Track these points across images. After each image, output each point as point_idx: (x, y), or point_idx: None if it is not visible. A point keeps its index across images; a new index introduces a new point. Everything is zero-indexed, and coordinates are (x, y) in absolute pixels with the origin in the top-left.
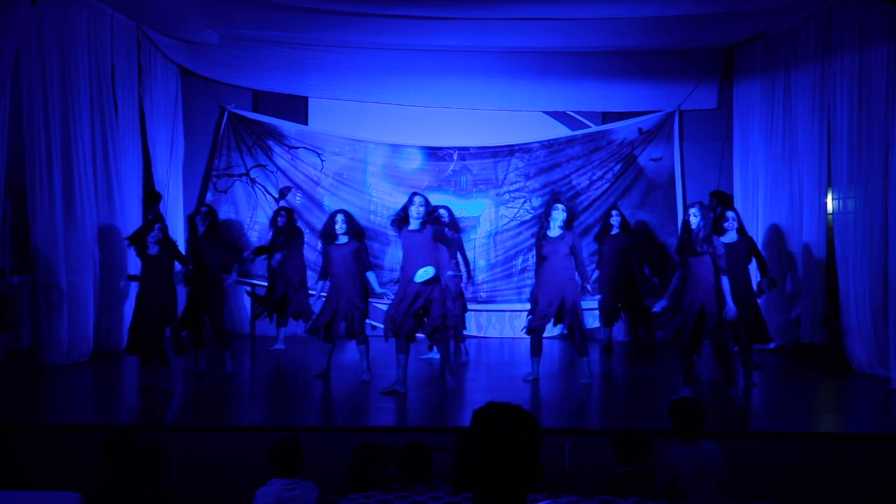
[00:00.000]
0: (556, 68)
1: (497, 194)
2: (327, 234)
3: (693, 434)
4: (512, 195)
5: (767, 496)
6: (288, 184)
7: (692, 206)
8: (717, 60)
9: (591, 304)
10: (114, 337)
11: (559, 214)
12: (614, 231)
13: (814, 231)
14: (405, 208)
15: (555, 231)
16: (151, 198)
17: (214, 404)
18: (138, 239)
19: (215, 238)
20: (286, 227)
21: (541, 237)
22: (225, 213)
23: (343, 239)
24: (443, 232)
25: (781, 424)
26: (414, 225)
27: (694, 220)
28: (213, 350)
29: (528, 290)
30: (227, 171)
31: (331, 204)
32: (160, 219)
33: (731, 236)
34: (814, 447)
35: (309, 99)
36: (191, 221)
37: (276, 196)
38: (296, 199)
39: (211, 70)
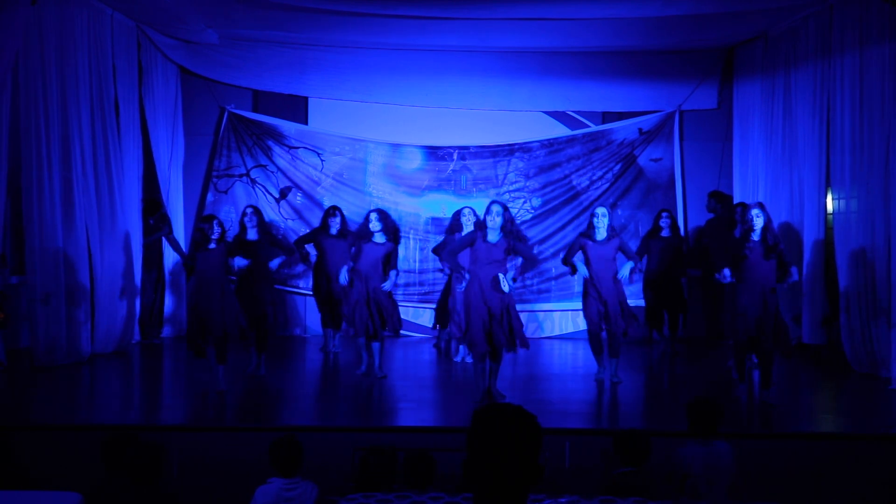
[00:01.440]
0: (556, 68)
1: (497, 194)
2: (362, 234)
3: (708, 433)
4: (512, 195)
5: (768, 496)
6: (288, 184)
7: (753, 206)
8: (717, 60)
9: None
10: (113, 337)
11: (602, 221)
12: (664, 233)
13: (814, 231)
14: (484, 218)
15: (601, 234)
16: (151, 207)
17: (212, 404)
18: (198, 244)
19: (269, 239)
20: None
21: (587, 237)
22: (226, 213)
23: (379, 237)
24: (517, 248)
25: (781, 424)
26: (493, 236)
27: (759, 221)
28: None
29: (528, 290)
30: (228, 172)
31: (331, 204)
32: (167, 220)
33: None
34: (814, 447)
35: (309, 99)
36: (240, 224)
37: (277, 196)
38: (296, 199)
39: (211, 70)
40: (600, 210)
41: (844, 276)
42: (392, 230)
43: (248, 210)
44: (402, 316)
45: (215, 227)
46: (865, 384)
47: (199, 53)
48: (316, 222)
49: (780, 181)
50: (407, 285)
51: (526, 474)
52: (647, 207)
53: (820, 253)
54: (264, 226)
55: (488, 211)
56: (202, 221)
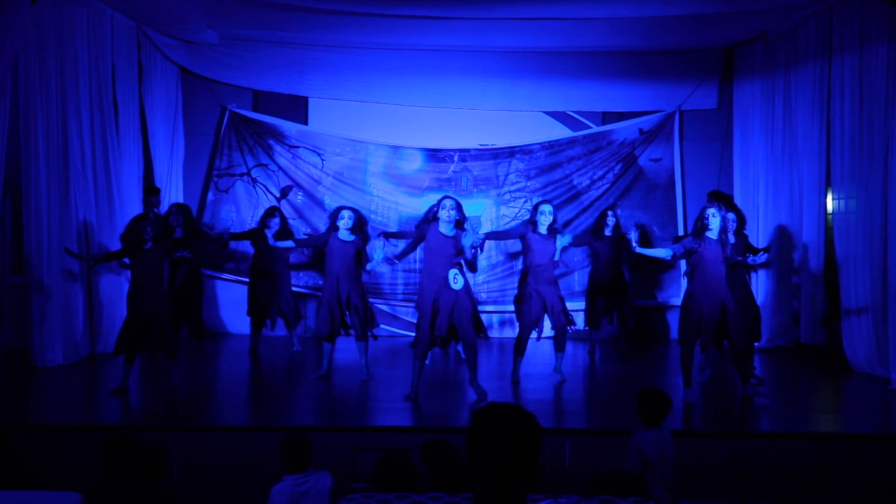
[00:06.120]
0: (556, 68)
1: (498, 194)
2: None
3: (660, 421)
4: (513, 195)
5: (768, 496)
6: (289, 183)
7: (710, 206)
8: (717, 60)
9: (578, 304)
10: (112, 337)
11: (546, 218)
12: (607, 232)
13: (814, 231)
14: (434, 211)
15: (543, 230)
16: (149, 191)
17: (213, 404)
18: (134, 238)
19: (195, 235)
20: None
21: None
22: (226, 212)
23: (346, 235)
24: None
25: (781, 424)
26: (446, 229)
27: (714, 221)
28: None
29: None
30: (229, 171)
31: (331, 203)
32: (156, 216)
33: (730, 237)
34: (814, 447)
35: (309, 99)
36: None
37: (278, 195)
38: (297, 198)
39: (211, 70)
40: (547, 206)
41: (844, 276)
42: (362, 228)
43: (174, 209)
44: (403, 317)
45: (148, 229)
46: (865, 384)
47: (199, 53)
48: (317, 221)
49: (780, 181)
50: (407, 285)
51: (526, 474)
52: (647, 208)
53: (820, 253)
54: (190, 223)
55: (441, 206)
56: (135, 222)
